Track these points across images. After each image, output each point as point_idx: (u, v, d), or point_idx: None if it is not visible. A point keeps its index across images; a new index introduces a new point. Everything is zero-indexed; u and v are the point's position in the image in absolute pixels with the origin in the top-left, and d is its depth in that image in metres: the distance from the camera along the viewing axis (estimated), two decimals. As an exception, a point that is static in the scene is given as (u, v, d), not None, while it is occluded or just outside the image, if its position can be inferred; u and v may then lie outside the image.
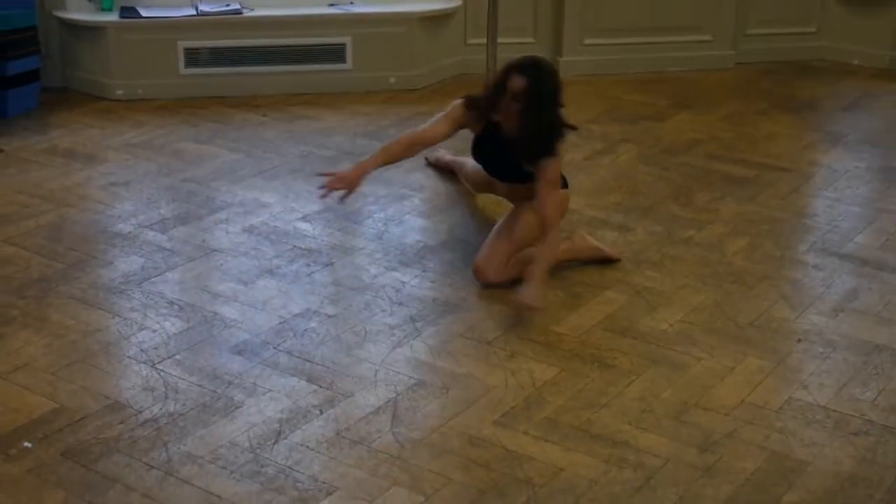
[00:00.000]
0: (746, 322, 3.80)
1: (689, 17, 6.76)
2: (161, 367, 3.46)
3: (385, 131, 5.61)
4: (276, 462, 3.02)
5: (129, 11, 6.13)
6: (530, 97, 3.93)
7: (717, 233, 4.52)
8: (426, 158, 5.07)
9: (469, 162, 4.59)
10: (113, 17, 6.09)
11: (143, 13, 6.11)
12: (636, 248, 4.36)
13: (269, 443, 3.11)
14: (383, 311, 3.85)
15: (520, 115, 3.96)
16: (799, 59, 6.98)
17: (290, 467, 3.00)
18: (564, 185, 4.19)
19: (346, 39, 6.24)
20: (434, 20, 6.45)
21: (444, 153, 5.01)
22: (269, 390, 3.35)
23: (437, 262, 4.23)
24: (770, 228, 4.56)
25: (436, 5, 6.49)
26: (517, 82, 3.94)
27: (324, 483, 2.94)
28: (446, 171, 5.02)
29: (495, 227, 4.18)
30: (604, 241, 4.35)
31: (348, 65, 6.27)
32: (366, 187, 4.87)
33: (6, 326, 3.70)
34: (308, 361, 3.51)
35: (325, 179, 4.09)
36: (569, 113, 5.51)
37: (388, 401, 3.31)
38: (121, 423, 3.18)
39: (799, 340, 3.70)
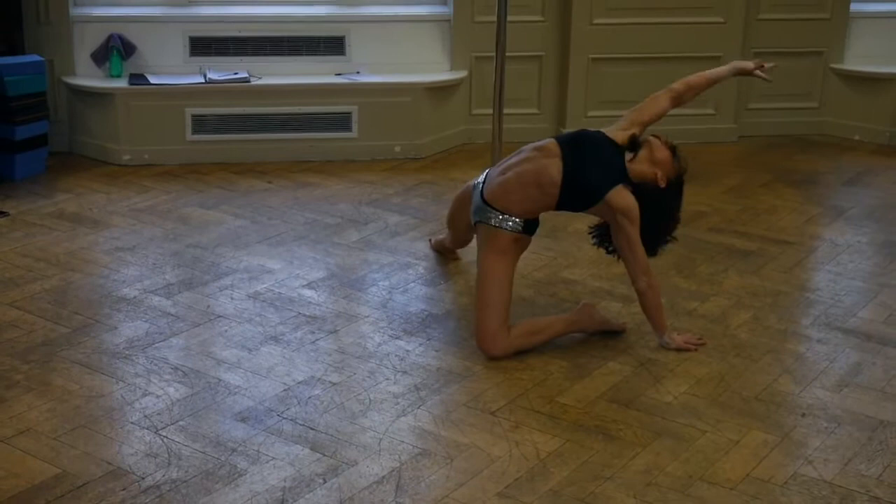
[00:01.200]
0: (751, 395, 3.80)
1: (691, 90, 6.81)
2: (164, 434, 3.45)
3: (389, 199, 5.65)
4: (279, 531, 3.00)
5: (138, 78, 6.19)
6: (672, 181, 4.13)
7: (720, 305, 4.53)
8: (430, 240, 5.07)
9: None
10: (122, 83, 6.15)
11: (153, 80, 6.18)
12: (640, 319, 4.35)
13: (272, 511, 3.09)
14: (387, 379, 3.84)
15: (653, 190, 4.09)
16: (801, 133, 7.05)
17: (292, 537, 2.98)
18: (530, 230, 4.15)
19: (353, 108, 6.31)
20: (439, 90, 6.52)
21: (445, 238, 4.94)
22: (273, 458, 3.34)
23: (441, 330, 4.24)
24: (773, 302, 4.57)
25: (441, 76, 6.56)
26: (665, 154, 4.13)
27: (327, 553, 2.92)
28: (449, 254, 4.98)
29: (476, 292, 4.13)
30: (608, 312, 4.35)
31: (354, 133, 6.32)
32: (370, 256, 4.91)
33: (10, 390, 3.69)
34: (312, 429, 3.50)
35: None
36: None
37: (392, 470, 3.30)
38: (123, 489, 3.16)
39: (803, 415, 3.69)
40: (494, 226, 4.06)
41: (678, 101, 4.45)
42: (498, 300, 4.03)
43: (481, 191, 4.17)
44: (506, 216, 4.05)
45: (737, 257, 5.05)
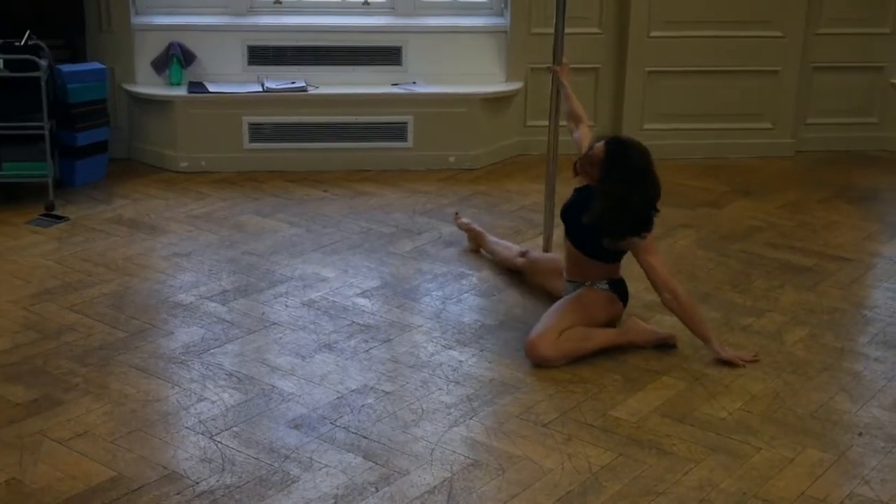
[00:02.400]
0: (806, 413, 3.76)
1: (749, 104, 6.78)
2: (218, 439, 3.48)
3: (444, 210, 5.66)
4: (331, 539, 3.02)
5: (197, 86, 6.26)
6: (605, 167, 4.07)
7: (776, 321, 4.49)
8: (456, 214, 5.26)
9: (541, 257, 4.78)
10: (181, 91, 6.23)
11: (211, 88, 6.24)
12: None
13: (324, 519, 3.10)
14: (440, 389, 3.85)
15: (597, 184, 4.13)
16: (859, 148, 6.97)
17: (344, 544, 2.99)
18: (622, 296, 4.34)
19: (408, 118, 6.33)
20: (495, 101, 6.53)
21: (510, 249, 4.95)
22: (326, 466, 3.35)
23: (494, 341, 4.24)
24: (830, 319, 4.52)
25: (497, 87, 6.57)
26: (597, 149, 4.13)
27: (378, 562, 2.93)
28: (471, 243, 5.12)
29: (552, 307, 4.21)
30: (662, 327, 4.33)
31: (409, 143, 6.35)
32: (424, 266, 4.92)
33: (68, 393, 3.74)
34: (364, 438, 3.51)
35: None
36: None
37: (444, 480, 3.30)
38: (177, 493, 3.19)
39: (860, 434, 3.64)
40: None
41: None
42: (569, 321, 4.09)
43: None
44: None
45: (793, 273, 5.00)
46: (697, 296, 4.69)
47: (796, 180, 6.43)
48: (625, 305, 4.37)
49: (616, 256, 4.30)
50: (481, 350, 4.16)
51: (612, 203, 4.09)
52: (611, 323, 4.29)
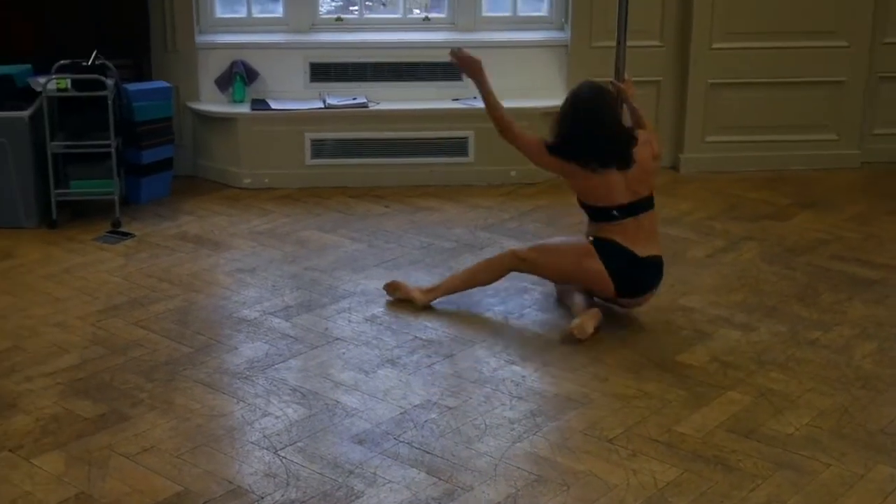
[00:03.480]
0: (877, 429, 3.69)
1: (813, 115, 6.71)
2: (283, 454, 3.49)
3: (505, 225, 5.66)
4: (396, 554, 3.01)
5: (259, 104, 6.32)
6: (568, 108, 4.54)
7: (844, 335, 4.42)
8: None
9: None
10: (244, 108, 6.29)
11: (274, 105, 6.30)
12: (760, 348, 4.29)
13: (388, 534, 3.10)
14: (503, 404, 3.84)
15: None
16: (927, 159, 6.87)
17: (409, 560, 2.99)
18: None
19: (469, 133, 6.34)
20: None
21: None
22: (390, 481, 3.36)
23: (557, 356, 4.22)
24: (899, 332, 4.45)
25: (558, 101, 6.52)
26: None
27: (443, 578, 2.92)
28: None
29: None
30: (727, 340, 4.30)
31: (470, 158, 6.35)
32: (487, 280, 4.90)
33: (134, 408, 3.78)
34: (428, 453, 3.51)
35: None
36: (689, 209, 5.52)
37: (508, 496, 3.29)
38: (243, 508, 3.21)
39: (932, 449, 3.58)
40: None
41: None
42: (543, 247, 4.61)
43: None
44: None
45: (861, 286, 4.93)
46: (763, 309, 4.65)
47: (863, 192, 6.34)
48: (614, 270, 4.40)
49: (596, 215, 4.50)
50: (544, 365, 4.14)
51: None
52: (582, 275, 4.47)
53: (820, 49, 6.60)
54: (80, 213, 5.75)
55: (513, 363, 4.15)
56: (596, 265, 4.41)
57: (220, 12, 6.59)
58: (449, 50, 4.74)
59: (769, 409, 3.82)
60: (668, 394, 3.91)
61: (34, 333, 4.36)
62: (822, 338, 4.40)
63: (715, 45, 6.55)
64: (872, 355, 4.24)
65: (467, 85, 6.47)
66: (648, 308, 4.62)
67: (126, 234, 5.50)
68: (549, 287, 4.87)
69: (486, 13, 6.71)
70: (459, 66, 4.72)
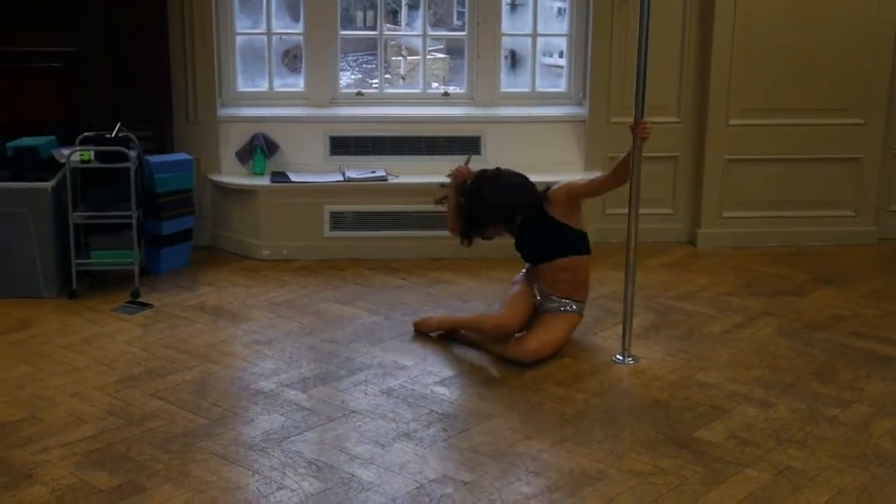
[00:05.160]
0: (896, 508, 3.67)
1: (830, 192, 6.74)
2: (298, 528, 3.48)
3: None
4: None
5: (279, 176, 6.39)
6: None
7: (862, 413, 4.40)
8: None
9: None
10: (264, 181, 6.35)
11: (293, 178, 6.36)
12: (778, 425, 4.27)
13: None
14: (519, 480, 3.82)
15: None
16: (945, 236, 6.87)
17: None
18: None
19: (487, 207, 6.36)
20: (573, 190, 6.54)
21: None
22: (404, 556, 3.34)
23: (573, 431, 4.20)
24: (919, 410, 4.43)
25: (576, 175, 6.59)
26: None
27: None
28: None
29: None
30: (745, 416, 4.28)
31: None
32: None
33: (150, 480, 3.78)
34: (443, 528, 3.50)
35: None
36: (706, 284, 5.52)
37: (524, 573, 3.26)
38: (257, 582, 3.20)
39: (953, 530, 3.54)
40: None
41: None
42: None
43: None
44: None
45: (879, 363, 4.91)
46: (781, 386, 4.63)
47: (880, 268, 6.34)
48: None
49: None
50: (561, 440, 4.13)
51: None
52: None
53: (836, 126, 6.64)
54: (99, 283, 5.79)
55: (529, 438, 4.14)
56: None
57: (242, 86, 6.68)
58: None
59: (787, 487, 3.79)
60: (684, 470, 3.89)
61: (51, 403, 4.37)
62: (841, 415, 4.37)
63: (732, 122, 6.60)
64: (891, 433, 4.22)
65: (485, 159, 6.58)
66: (665, 382, 4.62)
67: (145, 305, 5.53)
68: (567, 360, 4.87)
69: (505, 88, 6.79)
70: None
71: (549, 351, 4.88)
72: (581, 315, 5.08)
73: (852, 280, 6.09)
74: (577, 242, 5.04)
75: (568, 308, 5.03)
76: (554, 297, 5.04)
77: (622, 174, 4.86)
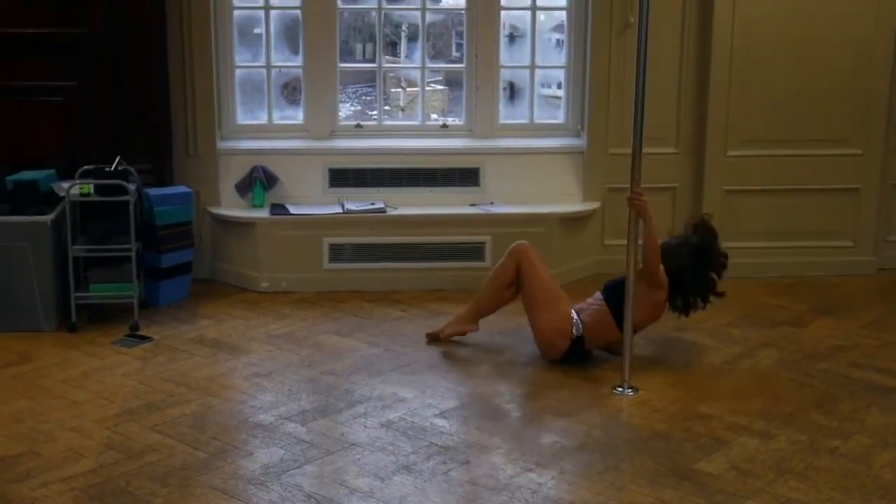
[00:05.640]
0: (898, 540, 3.65)
1: (828, 222, 6.74)
2: (297, 562, 3.47)
3: (522, 329, 5.65)
4: None
5: (278, 208, 6.40)
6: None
7: (863, 444, 4.39)
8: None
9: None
10: (263, 213, 6.36)
11: (293, 210, 6.37)
12: (779, 456, 4.26)
13: None
14: (519, 513, 3.81)
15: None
16: (944, 266, 6.88)
17: None
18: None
19: (486, 238, 6.38)
20: (572, 221, 6.57)
21: None
22: (404, 591, 3.32)
23: (574, 463, 4.19)
24: (920, 441, 4.42)
25: (574, 206, 6.62)
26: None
27: None
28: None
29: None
30: (746, 448, 4.26)
31: (487, 263, 6.37)
32: (503, 385, 4.91)
33: (149, 514, 3.77)
34: (443, 562, 3.48)
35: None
36: (706, 316, 5.51)
37: None
38: None
39: (955, 562, 3.53)
40: None
41: None
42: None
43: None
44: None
45: (879, 394, 4.90)
46: (781, 417, 4.62)
47: (879, 298, 6.34)
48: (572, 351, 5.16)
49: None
50: (561, 472, 4.11)
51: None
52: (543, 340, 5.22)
53: (834, 157, 6.66)
54: (98, 317, 5.78)
55: (529, 470, 4.13)
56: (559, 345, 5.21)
57: (242, 119, 6.71)
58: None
59: (789, 520, 3.78)
60: (686, 502, 3.88)
61: (50, 438, 4.36)
62: (842, 446, 4.36)
63: (730, 153, 6.62)
64: (892, 464, 4.20)
65: (484, 190, 6.59)
66: (665, 413, 4.61)
67: (144, 338, 5.52)
68: (567, 392, 4.86)
69: (503, 120, 6.82)
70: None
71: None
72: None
73: (852, 310, 6.09)
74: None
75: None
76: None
77: (649, 260, 5.08)
